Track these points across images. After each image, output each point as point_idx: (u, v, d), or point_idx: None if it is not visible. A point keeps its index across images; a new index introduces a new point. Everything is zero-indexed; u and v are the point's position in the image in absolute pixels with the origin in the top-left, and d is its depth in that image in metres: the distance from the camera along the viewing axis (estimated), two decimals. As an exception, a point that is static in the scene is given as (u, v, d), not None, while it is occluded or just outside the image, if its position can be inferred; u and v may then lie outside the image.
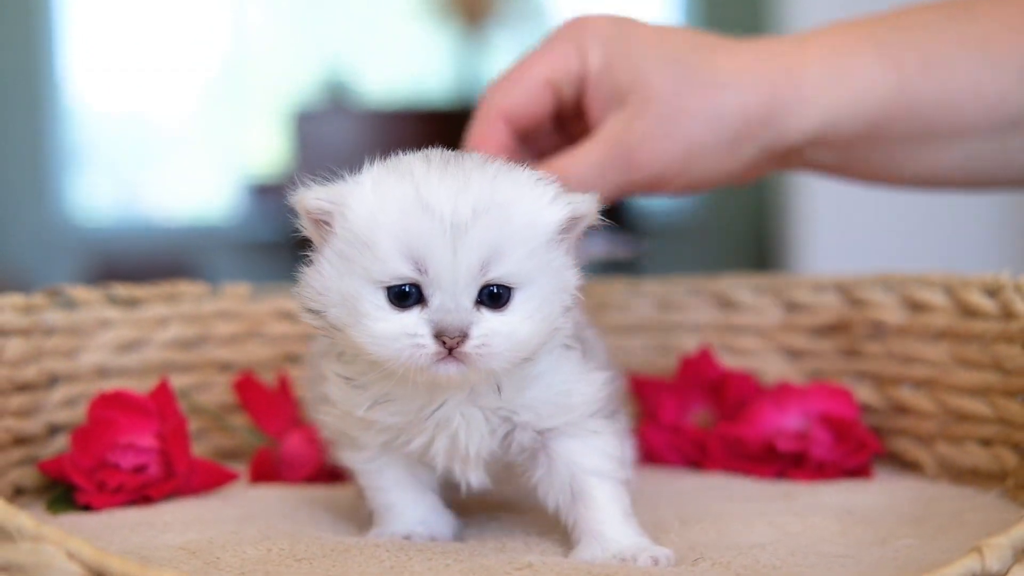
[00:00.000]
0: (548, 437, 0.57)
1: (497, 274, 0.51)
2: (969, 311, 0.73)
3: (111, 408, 0.71)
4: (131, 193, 4.74)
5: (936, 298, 0.75)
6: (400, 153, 0.56)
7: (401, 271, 0.51)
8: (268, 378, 0.82)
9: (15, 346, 0.71)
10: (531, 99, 0.74)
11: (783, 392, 0.78)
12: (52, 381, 0.74)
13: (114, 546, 0.58)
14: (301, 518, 0.65)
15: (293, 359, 0.84)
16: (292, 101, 4.16)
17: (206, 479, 0.73)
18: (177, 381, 0.78)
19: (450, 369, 0.51)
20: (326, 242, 0.52)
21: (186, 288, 0.82)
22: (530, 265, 0.52)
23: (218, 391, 0.82)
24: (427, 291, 0.51)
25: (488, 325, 0.51)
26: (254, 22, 4.70)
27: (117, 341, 0.78)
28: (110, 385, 0.75)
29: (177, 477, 0.70)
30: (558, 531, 0.61)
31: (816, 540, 0.60)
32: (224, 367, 0.82)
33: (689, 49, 0.73)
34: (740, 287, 0.85)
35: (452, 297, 0.51)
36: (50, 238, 4.54)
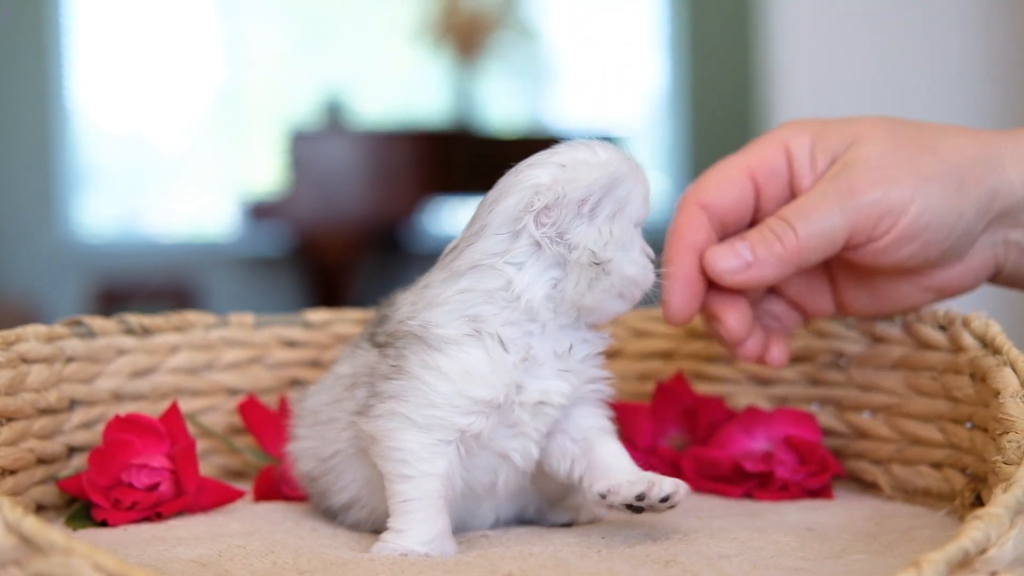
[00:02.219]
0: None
1: None
2: (923, 344, 0.79)
3: (125, 430, 0.76)
4: (133, 212, 4.79)
5: (893, 331, 0.81)
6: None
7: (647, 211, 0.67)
8: (271, 402, 0.87)
9: (38, 372, 0.76)
10: (731, 190, 0.75)
11: (751, 417, 0.83)
12: (71, 405, 0.79)
13: (131, 559, 0.63)
14: (303, 533, 0.71)
15: (294, 383, 0.90)
16: (289, 122, 4.21)
17: (214, 497, 0.78)
18: (186, 405, 0.84)
19: None
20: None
21: (195, 318, 0.87)
22: None
23: (224, 414, 0.87)
24: (638, 229, 0.67)
25: None
26: (253, 46, 4.76)
27: (131, 367, 0.83)
28: (124, 409, 0.81)
29: (187, 495, 0.76)
30: (538, 542, 0.66)
31: (776, 554, 0.65)
32: (230, 392, 0.88)
33: (897, 120, 0.75)
34: (713, 318, 0.90)
35: None
36: (55, 255, 4.60)
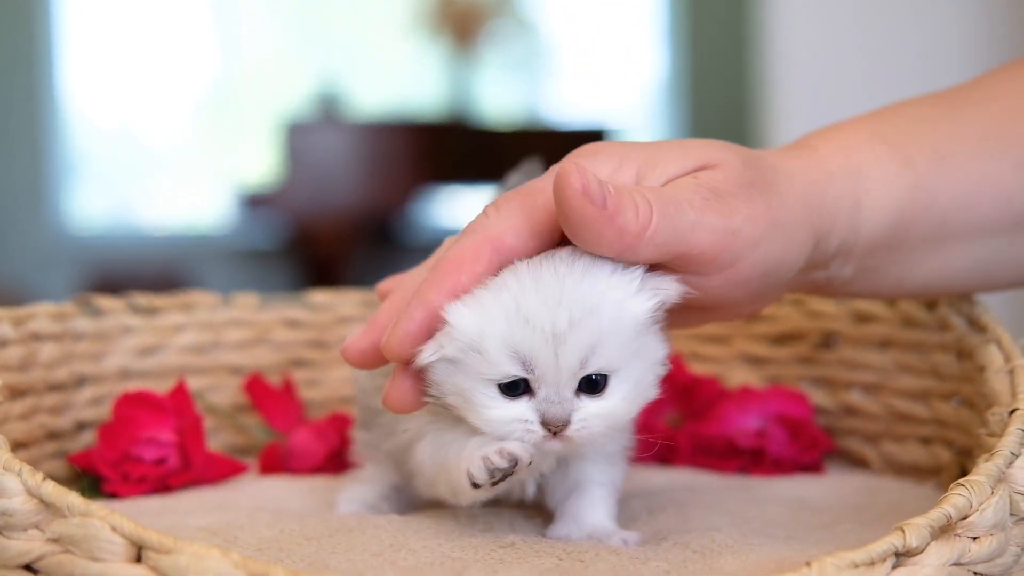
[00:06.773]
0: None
1: (594, 368, 0.57)
2: (910, 323, 0.81)
3: (134, 406, 0.78)
4: (126, 204, 4.80)
5: (881, 311, 0.83)
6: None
7: (511, 371, 0.57)
8: (275, 380, 0.89)
9: (48, 350, 0.78)
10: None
11: (745, 395, 0.85)
12: (80, 382, 0.81)
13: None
14: (308, 504, 0.73)
15: (298, 363, 0.92)
16: (284, 113, 4.22)
17: (220, 470, 0.80)
18: (193, 382, 0.85)
19: (554, 446, 0.58)
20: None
21: (200, 298, 0.89)
22: (624, 354, 0.57)
23: (229, 392, 0.90)
24: (534, 385, 0.57)
25: (587, 411, 0.57)
26: (246, 36, 4.77)
27: (139, 346, 0.85)
28: (133, 386, 0.83)
29: (194, 469, 0.78)
30: (541, 516, 0.68)
31: (767, 525, 0.67)
32: (235, 370, 0.90)
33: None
34: (707, 299, 0.92)
35: (556, 391, 0.57)
36: (48, 247, 4.60)
